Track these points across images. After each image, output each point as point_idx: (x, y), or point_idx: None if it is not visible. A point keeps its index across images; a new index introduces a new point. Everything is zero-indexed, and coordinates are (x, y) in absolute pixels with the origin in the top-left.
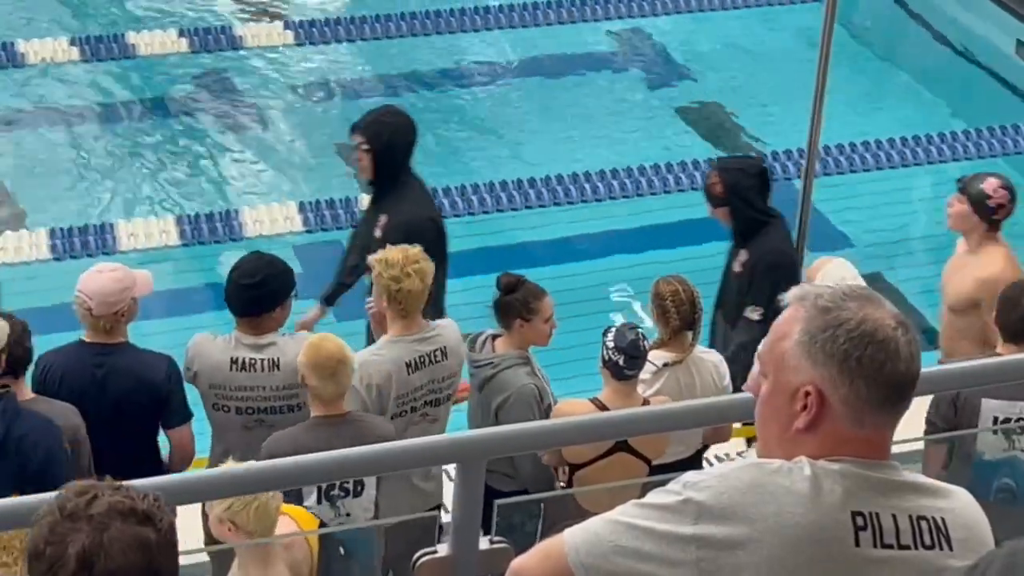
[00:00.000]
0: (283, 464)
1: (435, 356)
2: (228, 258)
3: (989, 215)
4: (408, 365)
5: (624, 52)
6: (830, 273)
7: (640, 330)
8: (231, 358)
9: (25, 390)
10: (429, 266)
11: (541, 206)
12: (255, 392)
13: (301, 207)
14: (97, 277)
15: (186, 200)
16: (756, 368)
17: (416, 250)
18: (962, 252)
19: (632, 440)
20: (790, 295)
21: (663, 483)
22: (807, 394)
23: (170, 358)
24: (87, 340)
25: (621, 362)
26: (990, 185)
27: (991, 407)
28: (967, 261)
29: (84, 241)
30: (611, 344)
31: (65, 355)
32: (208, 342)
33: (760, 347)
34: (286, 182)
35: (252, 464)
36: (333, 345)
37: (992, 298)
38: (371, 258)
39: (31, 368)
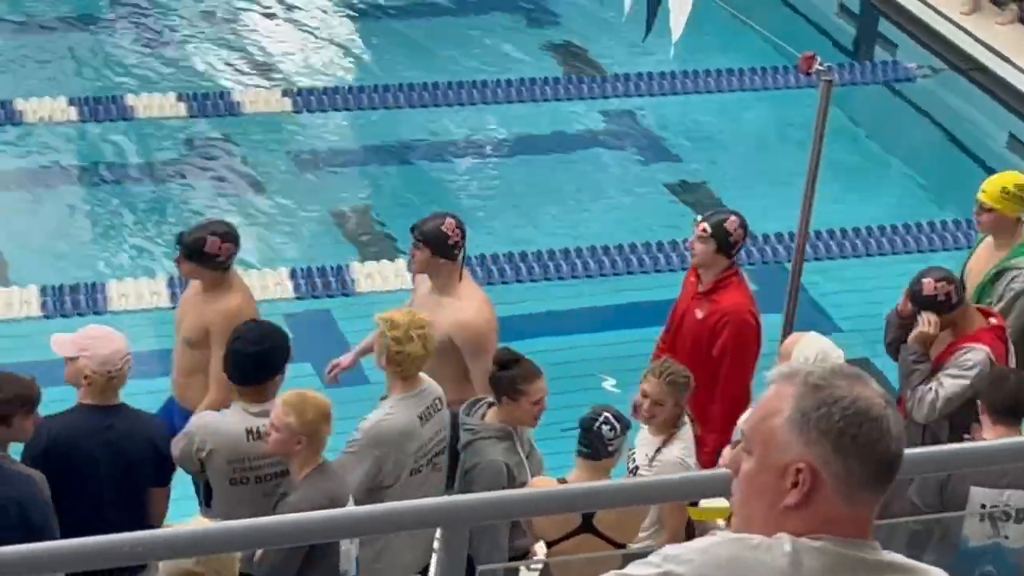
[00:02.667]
0: (270, 522)
1: (436, 405)
2: None
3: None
4: (420, 418)
5: (617, 131)
6: (809, 345)
7: (608, 414)
8: (246, 429)
9: None
10: (433, 333)
11: (532, 280)
12: (274, 459)
13: (292, 273)
14: (99, 340)
15: None
16: (736, 444)
17: (424, 315)
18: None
19: (601, 523)
20: (775, 373)
21: (642, 555)
22: (799, 471)
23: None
24: (88, 403)
25: (581, 440)
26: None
27: (979, 495)
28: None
29: (75, 300)
30: (580, 424)
31: (71, 421)
32: (218, 419)
33: (743, 423)
34: (278, 248)
35: (235, 523)
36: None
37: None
38: (377, 316)
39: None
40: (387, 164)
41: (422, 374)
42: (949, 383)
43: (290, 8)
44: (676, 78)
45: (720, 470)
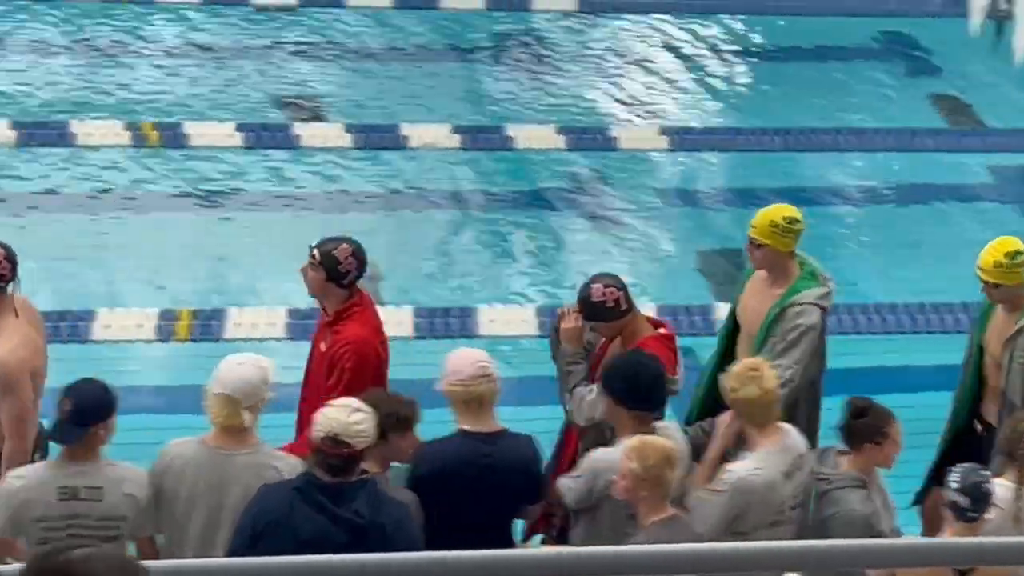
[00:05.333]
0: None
1: (798, 462)
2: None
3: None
4: (784, 475)
5: (998, 186)
6: None
7: (985, 472)
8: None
9: None
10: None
11: (871, 333)
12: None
13: (659, 311)
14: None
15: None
16: None
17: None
18: None
19: None
20: None
21: None
22: None
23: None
24: (468, 430)
25: (965, 504)
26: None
27: None
28: None
29: (447, 323)
30: (955, 485)
31: (454, 448)
32: None
33: None
34: (643, 283)
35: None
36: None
37: None
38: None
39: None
40: (753, 206)
41: (785, 426)
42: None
43: (671, 48)
44: None
45: None
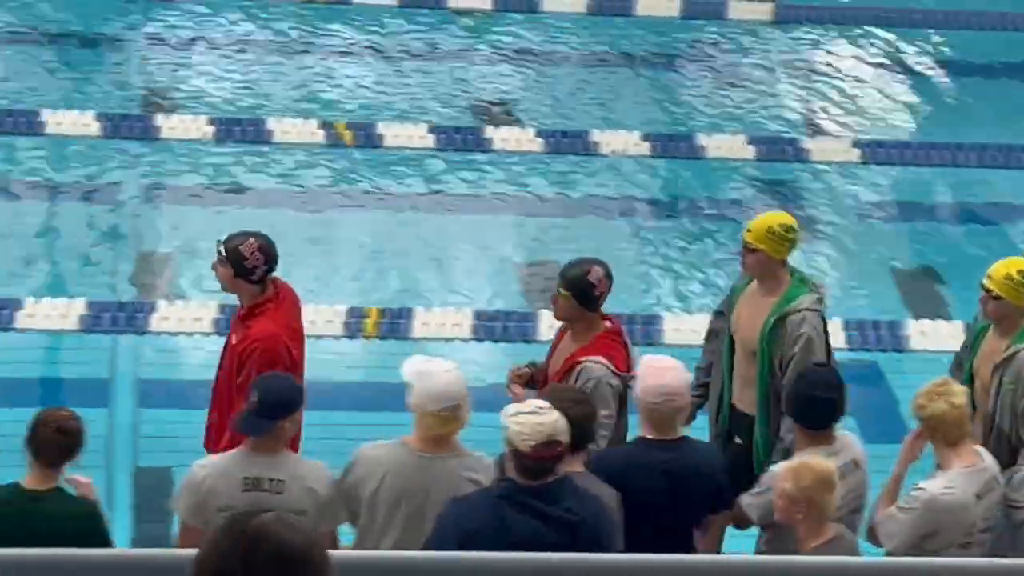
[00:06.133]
0: None
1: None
2: None
3: None
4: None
5: None
6: None
7: None
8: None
9: None
10: None
11: None
12: None
13: (845, 325)
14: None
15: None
16: None
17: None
18: None
19: None
20: None
21: None
22: None
23: None
24: (649, 438)
25: None
26: None
27: None
28: None
29: (630, 330)
30: None
31: (631, 453)
32: None
33: None
34: (834, 298)
35: None
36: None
37: None
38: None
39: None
40: (948, 223)
41: (977, 447)
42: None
43: (866, 60)
44: None
45: None
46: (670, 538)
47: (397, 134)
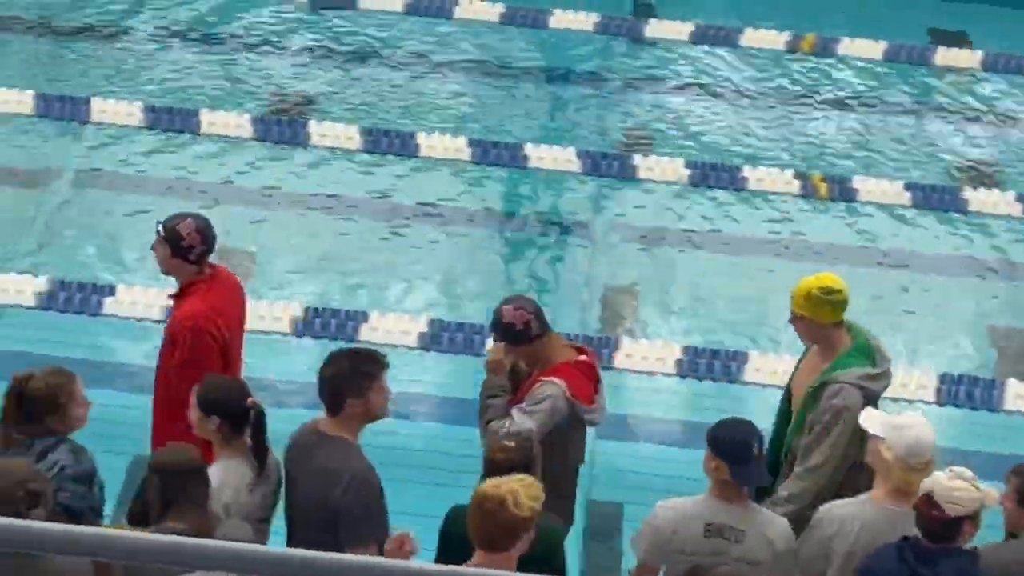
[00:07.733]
0: None
1: None
2: None
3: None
4: None
5: None
6: None
7: None
8: None
9: None
10: None
11: None
12: None
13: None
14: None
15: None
16: None
17: None
18: None
19: None
20: None
21: None
22: None
23: None
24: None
25: None
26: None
27: None
28: None
29: (710, 365)
30: None
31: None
32: None
33: None
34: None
35: None
36: None
37: None
38: None
39: None
40: None
41: None
42: (519, 418)
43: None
44: None
45: None
46: None
47: (871, 189)
